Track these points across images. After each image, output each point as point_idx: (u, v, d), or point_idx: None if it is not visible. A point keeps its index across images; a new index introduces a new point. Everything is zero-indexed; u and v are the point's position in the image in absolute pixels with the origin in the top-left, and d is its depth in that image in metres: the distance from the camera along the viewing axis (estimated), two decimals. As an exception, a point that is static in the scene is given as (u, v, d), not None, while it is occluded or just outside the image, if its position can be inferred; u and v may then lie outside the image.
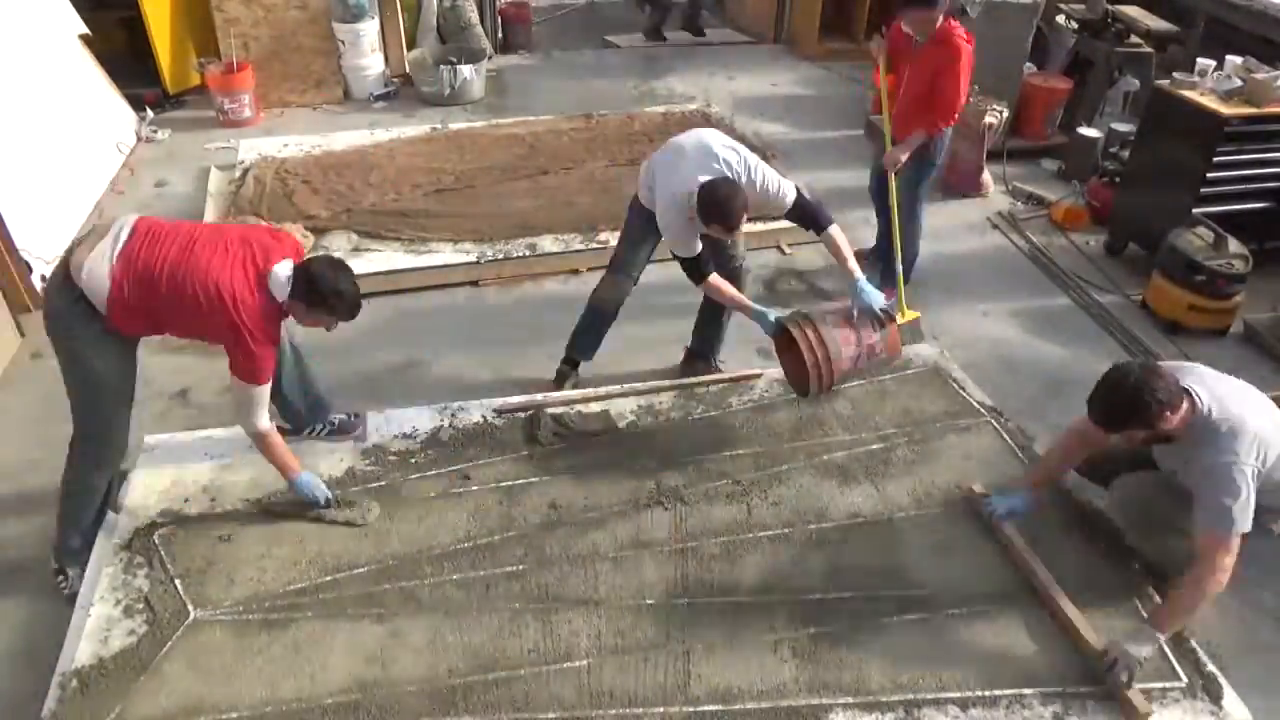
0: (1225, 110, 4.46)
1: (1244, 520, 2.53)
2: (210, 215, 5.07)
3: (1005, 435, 3.57)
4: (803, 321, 3.34)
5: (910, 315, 4.03)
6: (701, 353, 4.01)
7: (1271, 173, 4.70)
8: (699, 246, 3.29)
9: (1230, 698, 2.62)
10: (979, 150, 5.58)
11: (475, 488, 3.26)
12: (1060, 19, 6.53)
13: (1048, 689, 2.62)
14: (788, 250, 5.08)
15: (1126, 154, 5.21)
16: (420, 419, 3.56)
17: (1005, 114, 5.61)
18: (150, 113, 6.33)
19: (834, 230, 3.41)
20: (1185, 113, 4.59)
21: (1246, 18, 6.14)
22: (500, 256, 4.71)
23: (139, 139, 6.11)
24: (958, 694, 2.61)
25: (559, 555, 3.01)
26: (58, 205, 4.96)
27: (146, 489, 3.21)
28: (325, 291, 2.70)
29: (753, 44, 8.62)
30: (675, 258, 3.36)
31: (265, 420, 2.90)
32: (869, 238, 5.19)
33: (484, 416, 3.60)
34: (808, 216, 3.43)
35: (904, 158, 4.21)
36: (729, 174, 3.21)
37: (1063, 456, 3.09)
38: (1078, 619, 2.75)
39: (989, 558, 3.04)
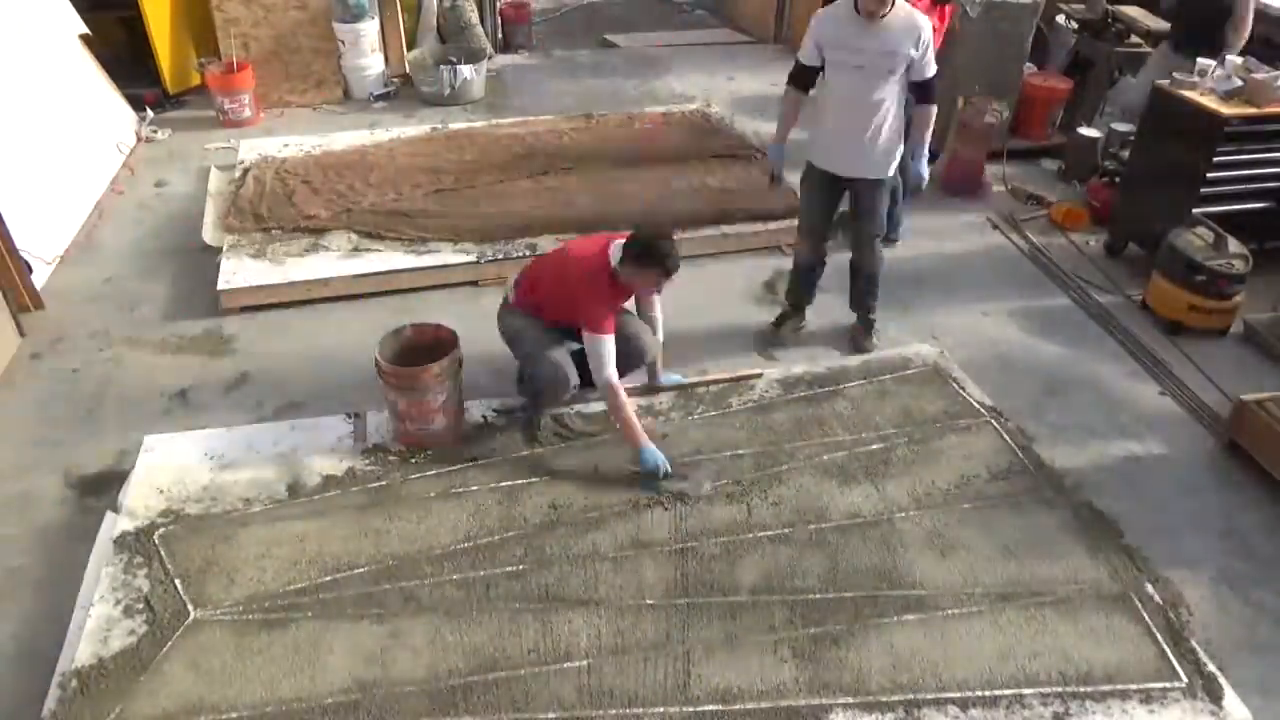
0: (1225, 110, 4.45)
1: None
2: (210, 215, 5.07)
3: (1005, 435, 3.57)
4: None
5: None
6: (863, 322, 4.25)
7: (1271, 173, 4.70)
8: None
9: (1230, 698, 2.62)
10: (979, 150, 5.58)
11: (475, 488, 3.26)
12: (1060, 19, 6.53)
13: (1047, 689, 2.63)
14: (788, 250, 5.07)
15: (1126, 154, 5.21)
16: (420, 419, 3.56)
17: (1005, 114, 5.61)
18: (150, 113, 6.33)
19: (931, 110, 3.77)
20: (1185, 113, 4.59)
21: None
22: (500, 256, 4.71)
23: (139, 139, 6.10)
24: (958, 694, 2.61)
25: (559, 555, 3.01)
26: (58, 205, 4.96)
27: (146, 489, 3.21)
28: (647, 250, 3.20)
29: (753, 44, 8.62)
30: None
31: (614, 374, 3.27)
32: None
33: (484, 416, 3.60)
34: (927, 91, 3.72)
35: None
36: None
37: None
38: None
39: (989, 558, 3.04)
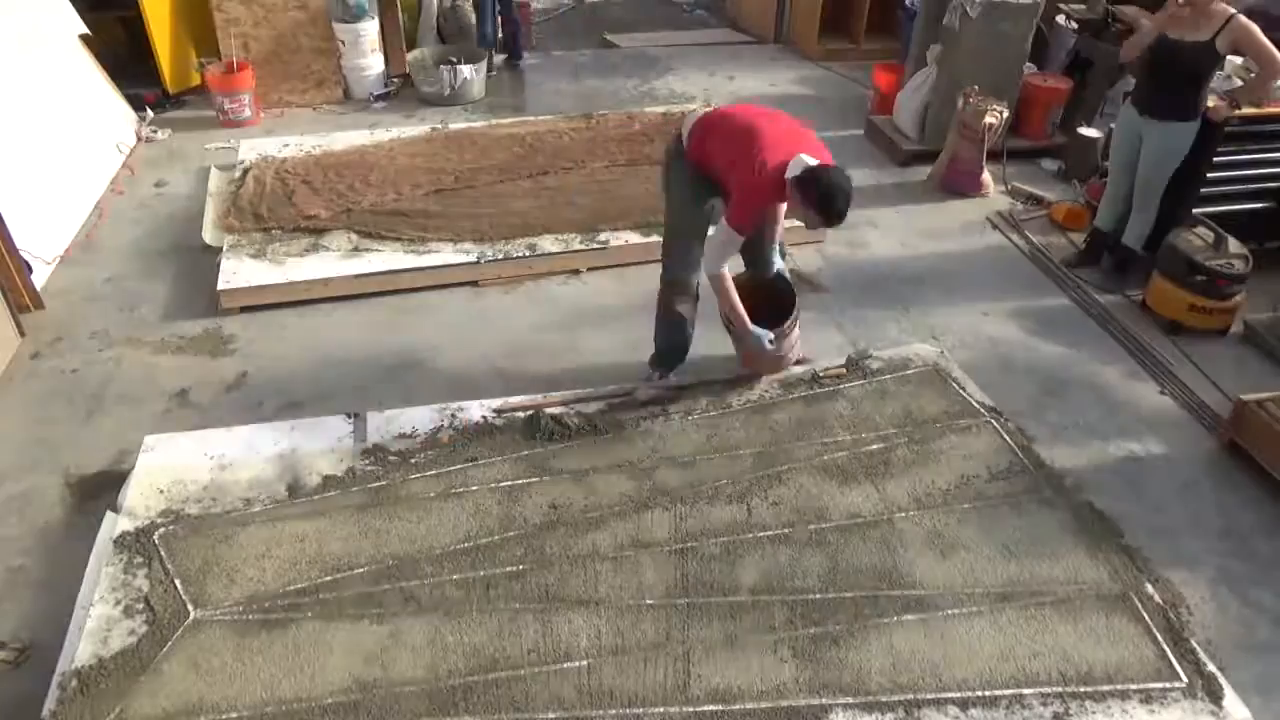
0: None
1: None
2: (210, 215, 5.07)
3: (1005, 435, 3.57)
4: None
5: None
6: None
7: (1271, 173, 4.70)
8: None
9: (1230, 698, 2.62)
10: (979, 150, 5.58)
11: (475, 488, 3.26)
12: (1060, 19, 6.52)
13: (1047, 689, 2.63)
14: (788, 250, 5.07)
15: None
16: (420, 419, 3.56)
17: (1005, 114, 5.61)
18: (150, 113, 6.32)
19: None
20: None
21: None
22: (500, 256, 4.71)
23: (139, 139, 6.10)
24: (958, 694, 2.61)
25: (559, 555, 3.01)
26: (58, 205, 4.96)
27: (146, 489, 3.21)
28: (825, 196, 3.10)
29: (753, 44, 8.62)
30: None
31: (723, 266, 3.39)
32: (869, 237, 5.20)
33: (484, 416, 3.60)
34: None
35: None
36: None
37: None
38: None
39: (989, 558, 3.04)
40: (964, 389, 3.82)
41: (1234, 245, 4.32)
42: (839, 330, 4.34)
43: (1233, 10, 4.09)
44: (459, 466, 3.35)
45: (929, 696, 2.60)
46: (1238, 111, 4.35)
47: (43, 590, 2.98)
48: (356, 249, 4.72)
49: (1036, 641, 2.76)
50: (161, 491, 3.20)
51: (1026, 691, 2.62)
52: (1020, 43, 5.78)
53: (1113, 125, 5.63)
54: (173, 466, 3.30)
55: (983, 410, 3.70)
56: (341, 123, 6.48)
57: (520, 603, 2.85)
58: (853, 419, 3.64)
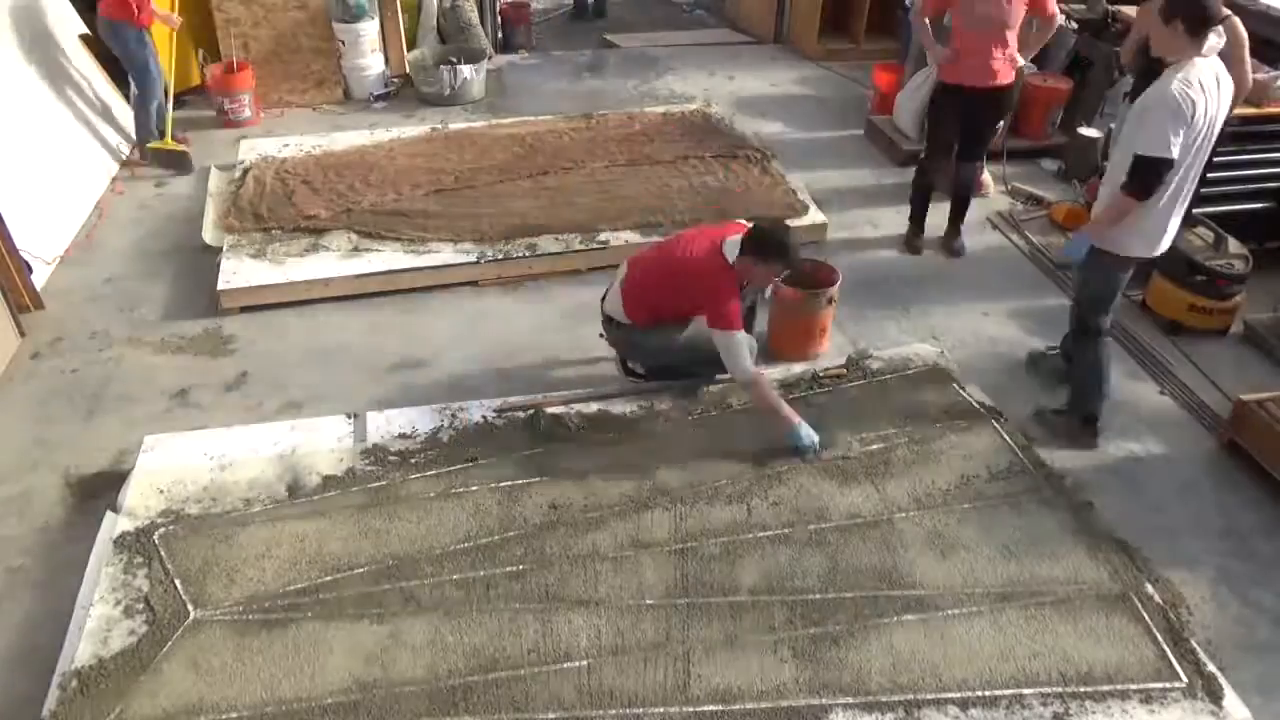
0: (1225, 110, 4.45)
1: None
2: (210, 215, 5.07)
3: (1005, 435, 3.57)
4: None
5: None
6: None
7: (1271, 173, 4.70)
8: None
9: (1230, 698, 2.62)
10: (979, 150, 5.57)
11: (475, 488, 3.26)
12: (1060, 19, 6.51)
13: (1047, 689, 2.63)
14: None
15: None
16: (420, 419, 3.56)
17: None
18: (150, 113, 6.33)
19: None
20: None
21: (1247, 18, 6.12)
22: (500, 256, 4.71)
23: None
24: (958, 694, 2.61)
25: (559, 555, 3.01)
26: (58, 205, 4.96)
27: (146, 489, 3.20)
28: (772, 244, 3.25)
29: (753, 44, 8.62)
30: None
31: (751, 365, 3.41)
32: (869, 237, 5.19)
33: (484, 416, 3.60)
34: None
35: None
36: None
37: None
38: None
39: (989, 558, 3.04)
40: (964, 389, 3.82)
41: (1234, 245, 4.32)
42: (839, 330, 4.34)
43: (1227, 11, 4.08)
44: (459, 466, 3.35)
45: (929, 696, 2.60)
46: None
47: (43, 590, 2.98)
48: (356, 249, 4.72)
49: (1036, 641, 2.76)
50: (161, 491, 3.20)
51: (1026, 691, 2.62)
52: (1020, 42, 5.76)
53: (1112, 125, 5.63)
54: (172, 467, 3.30)
55: (983, 410, 3.70)
56: (341, 123, 6.48)
57: (520, 603, 2.85)
58: (853, 419, 3.64)
